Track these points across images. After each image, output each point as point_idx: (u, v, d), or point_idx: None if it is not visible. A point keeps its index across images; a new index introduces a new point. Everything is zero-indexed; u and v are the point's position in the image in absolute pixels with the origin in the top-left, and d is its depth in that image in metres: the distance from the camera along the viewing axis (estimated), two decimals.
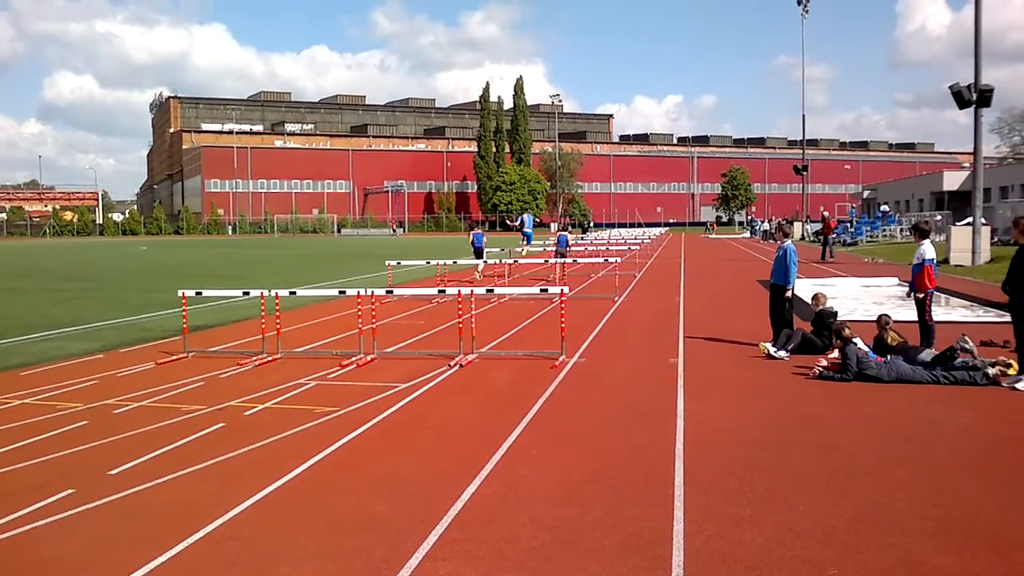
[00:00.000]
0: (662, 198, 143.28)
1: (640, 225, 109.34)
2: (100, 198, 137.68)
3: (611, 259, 26.94)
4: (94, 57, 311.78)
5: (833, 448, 7.57)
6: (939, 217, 49.94)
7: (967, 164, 77.38)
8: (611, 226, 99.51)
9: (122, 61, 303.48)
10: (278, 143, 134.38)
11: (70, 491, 6.69)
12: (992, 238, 34.87)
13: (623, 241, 49.68)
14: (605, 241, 50.83)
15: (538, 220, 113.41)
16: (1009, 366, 10.47)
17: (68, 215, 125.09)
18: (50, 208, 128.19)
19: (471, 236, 29.83)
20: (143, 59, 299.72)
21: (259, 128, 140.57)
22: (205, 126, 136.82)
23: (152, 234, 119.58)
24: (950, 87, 30.45)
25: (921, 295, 12.26)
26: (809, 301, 14.18)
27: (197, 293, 14.78)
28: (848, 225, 57.18)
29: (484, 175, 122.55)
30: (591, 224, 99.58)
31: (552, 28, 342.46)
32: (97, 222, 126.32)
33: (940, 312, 16.15)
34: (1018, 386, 9.85)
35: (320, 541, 5.58)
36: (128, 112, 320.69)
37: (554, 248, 30.50)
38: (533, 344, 13.78)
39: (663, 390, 10.17)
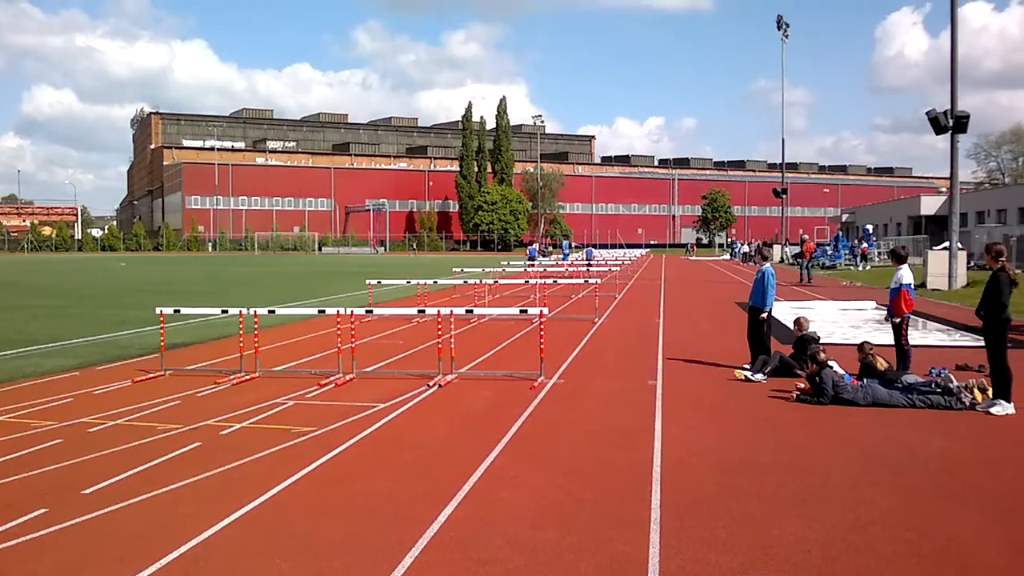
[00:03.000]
0: (643, 219, 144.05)
1: (621, 246, 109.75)
2: (79, 213, 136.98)
3: (591, 280, 26.96)
4: (73, 71, 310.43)
5: (809, 471, 7.61)
6: (903, 246, 50.35)
7: (944, 189, 78.10)
8: (594, 247, 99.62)
9: (102, 76, 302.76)
10: (259, 160, 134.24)
11: (43, 510, 6.62)
12: (969, 262, 35.24)
13: (603, 261, 50.07)
14: (584, 262, 51.22)
15: (518, 240, 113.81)
16: (984, 390, 10.57)
17: (47, 230, 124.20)
18: (28, 223, 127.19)
19: (528, 250, 36.35)
20: (124, 74, 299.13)
21: (240, 145, 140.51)
22: (186, 142, 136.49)
23: (131, 250, 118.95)
24: (927, 113, 30.83)
25: (898, 320, 12.36)
26: (790, 325, 14.26)
27: (175, 311, 14.71)
28: (827, 248, 57.49)
29: (466, 195, 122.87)
30: (572, 244, 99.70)
31: (534, 49, 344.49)
32: (76, 238, 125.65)
33: (917, 336, 16.29)
34: (992, 410, 9.94)
35: (296, 563, 5.56)
36: (108, 127, 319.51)
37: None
38: (512, 365, 13.79)
39: (641, 412, 10.20)
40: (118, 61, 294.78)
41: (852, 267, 50.49)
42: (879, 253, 57.52)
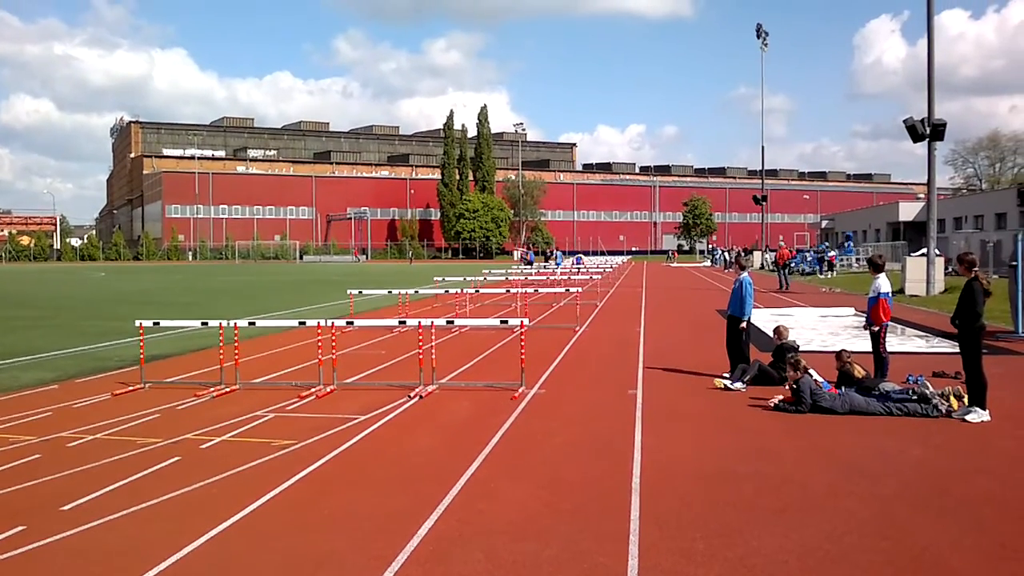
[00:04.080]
0: (625, 226, 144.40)
1: (603, 253, 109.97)
2: (58, 223, 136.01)
3: (572, 289, 27.01)
4: (52, 80, 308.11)
5: (787, 481, 7.67)
6: (880, 254, 50.71)
7: (922, 195, 78.86)
8: (574, 254, 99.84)
9: (81, 84, 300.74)
10: (240, 169, 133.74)
11: (21, 528, 6.60)
12: (946, 268, 35.50)
13: (585, 270, 50.48)
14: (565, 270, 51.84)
15: (499, 248, 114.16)
16: (960, 397, 10.68)
17: (25, 240, 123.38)
18: (6, 232, 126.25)
19: (528, 255, 49.36)
20: (102, 83, 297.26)
21: (221, 154, 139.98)
22: (166, 151, 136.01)
23: (111, 260, 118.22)
24: (904, 121, 31.11)
25: (876, 328, 12.47)
26: (770, 333, 14.36)
27: (155, 323, 14.63)
28: (814, 252, 57.90)
29: (447, 202, 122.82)
30: (554, 252, 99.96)
31: (515, 56, 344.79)
32: (55, 247, 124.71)
33: (895, 342, 16.43)
34: (968, 418, 10.05)
35: None
36: (87, 136, 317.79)
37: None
38: (493, 375, 13.82)
39: (621, 422, 10.24)
40: (97, 70, 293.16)
41: (818, 274, 50.65)
42: (857, 259, 57.92)
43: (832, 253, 54.51)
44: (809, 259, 55.71)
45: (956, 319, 10.45)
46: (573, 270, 53.44)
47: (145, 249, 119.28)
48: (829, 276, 49.03)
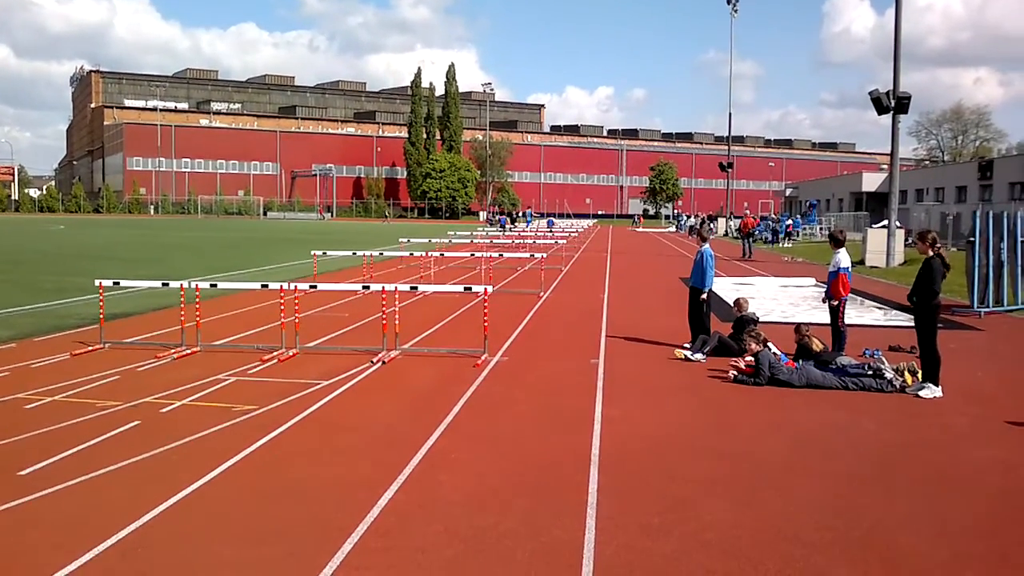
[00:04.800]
0: (591, 189, 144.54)
1: (569, 216, 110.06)
2: (16, 173, 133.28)
3: (537, 254, 27.06)
4: (8, 25, 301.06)
5: (743, 455, 7.80)
6: (841, 229, 51.30)
7: (886, 165, 79.56)
8: (541, 216, 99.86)
9: (39, 30, 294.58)
10: (203, 122, 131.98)
11: None
12: (907, 240, 35.98)
13: (551, 233, 50.57)
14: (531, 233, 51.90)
15: (466, 208, 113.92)
16: (915, 372, 10.89)
17: None
18: None
19: (499, 219, 53.07)
20: (61, 29, 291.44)
21: (184, 106, 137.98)
22: (128, 102, 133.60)
23: (71, 212, 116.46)
24: (870, 93, 31.31)
25: (835, 302, 12.64)
26: (731, 303, 14.50)
27: (115, 283, 14.46)
28: (769, 223, 58.32)
29: (414, 161, 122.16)
30: (521, 214, 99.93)
31: (484, 14, 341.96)
32: (13, 198, 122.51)
33: (853, 314, 16.65)
34: (920, 394, 10.25)
35: (235, 549, 5.58)
36: (46, 84, 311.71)
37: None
38: (457, 341, 13.84)
39: (582, 392, 10.33)
40: (56, 15, 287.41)
41: (774, 244, 51.09)
42: (821, 228, 58.49)
43: (789, 222, 54.93)
44: (772, 228, 56.15)
45: (913, 296, 10.61)
46: (547, 232, 55.40)
47: (106, 202, 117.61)
48: (787, 246, 49.46)
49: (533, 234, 50.40)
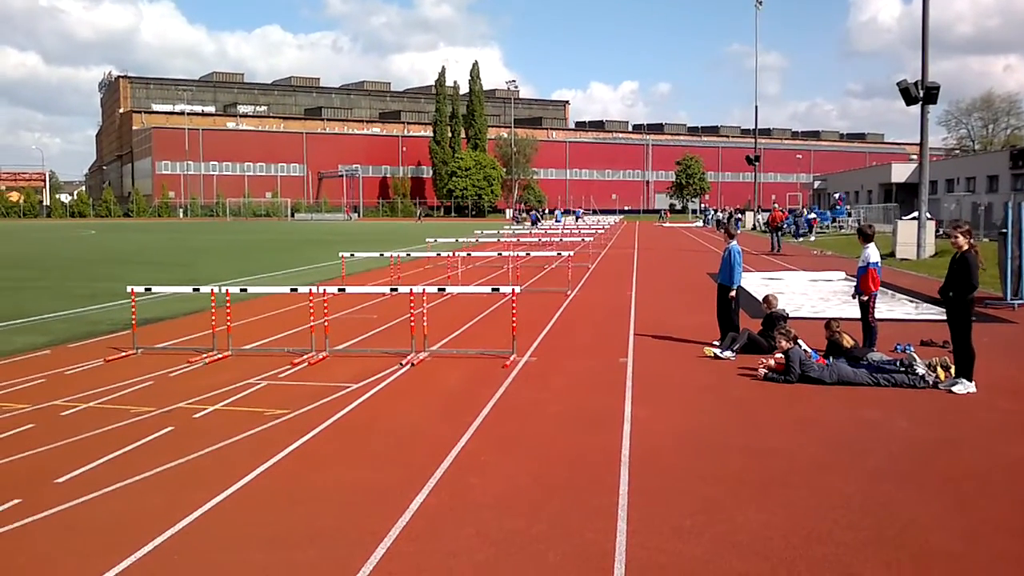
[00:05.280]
0: (617, 185, 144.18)
1: (595, 212, 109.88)
2: (47, 179, 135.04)
3: (564, 252, 27.04)
4: (37, 33, 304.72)
5: (774, 454, 7.77)
6: (870, 224, 50.73)
7: (915, 156, 78.70)
8: (566, 213, 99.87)
9: (67, 37, 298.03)
10: (230, 125, 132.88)
11: (17, 500, 6.65)
12: (937, 231, 35.61)
13: (577, 230, 50.49)
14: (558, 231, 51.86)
15: (491, 206, 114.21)
16: (948, 368, 10.79)
17: (14, 196, 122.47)
18: None
19: (530, 215, 67.98)
20: (89, 36, 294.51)
21: (211, 109, 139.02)
22: (156, 107, 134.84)
23: (101, 216, 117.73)
24: (898, 84, 31.02)
25: (865, 297, 12.54)
26: (760, 300, 14.42)
27: (146, 289, 14.59)
28: (796, 217, 57.88)
29: (439, 160, 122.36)
30: (545, 211, 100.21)
31: (507, 11, 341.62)
32: (44, 204, 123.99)
33: (884, 308, 16.51)
34: (954, 389, 10.15)
35: (268, 554, 5.64)
36: (74, 90, 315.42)
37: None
38: (485, 342, 13.87)
39: (611, 392, 10.33)
40: (83, 22, 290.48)
41: (790, 237, 50.58)
42: (850, 221, 57.97)
43: (812, 216, 54.39)
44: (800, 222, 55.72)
45: (948, 291, 10.43)
46: (577, 224, 61.84)
47: (135, 206, 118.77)
48: (810, 240, 49.01)
49: (560, 231, 50.51)
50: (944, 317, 11.05)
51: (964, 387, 10.17)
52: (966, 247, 10.35)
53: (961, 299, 10.28)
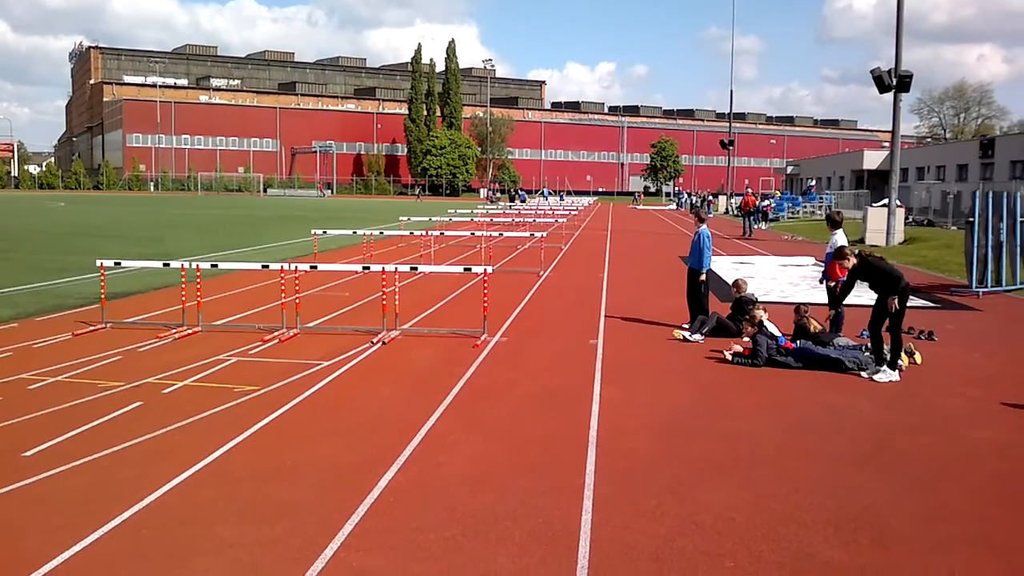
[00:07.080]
0: (592, 167, 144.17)
1: (569, 193, 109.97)
2: (15, 149, 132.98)
3: (536, 233, 27.08)
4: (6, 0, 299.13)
5: (739, 436, 7.89)
6: (838, 211, 51.13)
7: (887, 143, 79.33)
8: (540, 193, 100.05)
9: (36, 5, 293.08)
10: (203, 98, 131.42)
11: None
12: (907, 218, 35.97)
13: (550, 211, 50.46)
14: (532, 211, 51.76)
15: (466, 185, 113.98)
16: (912, 354, 10.98)
17: None
18: None
19: (519, 194, 69.18)
20: (59, 4, 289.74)
21: (183, 82, 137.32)
22: (127, 78, 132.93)
23: (71, 189, 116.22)
24: (872, 71, 31.20)
25: (832, 283, 12.69)
26: (730, 284, 14.54)
27: (116, 263, 14.46)
28: (770, 202, 58.16)
29: (414, 138, 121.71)
30: (517, 192, 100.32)
31: None
32: (12, 175, 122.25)
33: (852, 295, 16.62)
34: (876, 377, 10.23)
35: (237, 530, 5.67)
36: (44, 59, 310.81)
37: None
38: (457, 321, 13.91)
39: (581, 373, 10.42)
40: None
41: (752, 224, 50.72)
42: (819, 207, 58.39)
43: (767, 203, 54.51)
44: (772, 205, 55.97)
45: (883, 293, 10.57)
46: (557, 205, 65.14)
47: (106, 178, 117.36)
48: (763, 227, 49.14)
49: (534, 212, 50.46)
50: (909, 304, 11.16)
51: (886, 375, 10.23)
52: (856, 260, 10.62)
53: (893, 292, 10.36)
